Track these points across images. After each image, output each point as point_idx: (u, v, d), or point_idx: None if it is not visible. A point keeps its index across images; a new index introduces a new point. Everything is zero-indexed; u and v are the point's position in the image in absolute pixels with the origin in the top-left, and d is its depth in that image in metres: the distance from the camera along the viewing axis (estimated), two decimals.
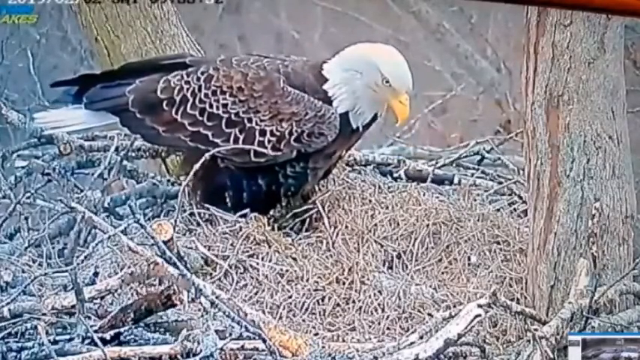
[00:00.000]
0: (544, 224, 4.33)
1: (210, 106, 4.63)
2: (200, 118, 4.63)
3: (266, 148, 4.57)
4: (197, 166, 4.40)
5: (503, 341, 4.33)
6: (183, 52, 5.23)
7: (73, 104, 4.84)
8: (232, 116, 4.61)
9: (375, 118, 4.71)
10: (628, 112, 4.36)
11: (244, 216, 4.64)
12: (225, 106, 4.61)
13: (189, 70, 4.72)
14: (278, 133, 4.58)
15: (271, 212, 4.74)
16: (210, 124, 4.62)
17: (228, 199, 4.67)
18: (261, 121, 4.58)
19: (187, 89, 4.67)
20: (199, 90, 4.66)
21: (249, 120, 4.59)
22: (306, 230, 4.73)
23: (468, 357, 4.15)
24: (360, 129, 4.68)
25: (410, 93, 4.64)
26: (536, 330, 4.12)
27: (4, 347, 4.11)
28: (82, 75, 5.01)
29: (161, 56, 5.19)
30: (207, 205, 4.68)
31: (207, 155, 4.44)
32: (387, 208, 4.76)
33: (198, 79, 4.67)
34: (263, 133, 4.58)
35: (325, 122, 4.58)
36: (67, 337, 4.12)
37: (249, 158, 4.61)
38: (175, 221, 4.40)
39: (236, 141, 4.58)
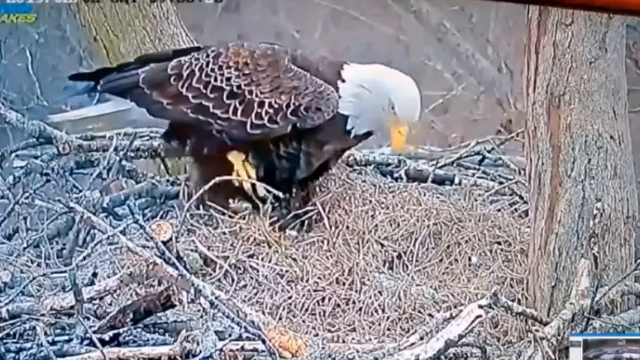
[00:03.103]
0: (545, 224, 4.32)
1: (215, 79, 4.71)
2: (204, 91, 4.71)
3: (263, 119, 4.62)
4: (208, 185, 4.46)
5: (504, 342, 4.32)
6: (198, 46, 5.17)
7: (90, 98, 4.91)
8: (234, 88, 4.69)
9: (369, 134, 4.75)
10: (629, 112, 4.35)
11: (244, 217, 4.64)
12: (228, 79, 4.70)
13: (201, 51, 4.81)
14: (276, 105, 4.64)
15: (272, 212, 4.73)
16: (212, 95, 4.70)
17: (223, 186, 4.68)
18: (262, 93, 4.66)
19: (196, 65, 4.75)
20: (207, 65, 4.74)
21: (250, 92, 4.67)
22: (307, 231, 4.71)
23: (469, 358, 4.15)
24: (352, 134, 4.70)
25: (413, 126, 4.66)
26: (537, 331, 4.11)
27: (3, 348, 4.11)
28: (99, 69, 5.03)
29: (177, 48, 5.19)
30: (209, 203, 4.68)
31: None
32: (388, 208, 4.76)
33: (208, 55, 4.76)
34: (261, 104, 4.64)
35: (324, 98, 4.64)
36: (66, 337, 4.11)
37: (246, 130, 4.63)
38: (182, 221, 4.41)
39: (235, 112, 4.65)
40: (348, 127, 4.68)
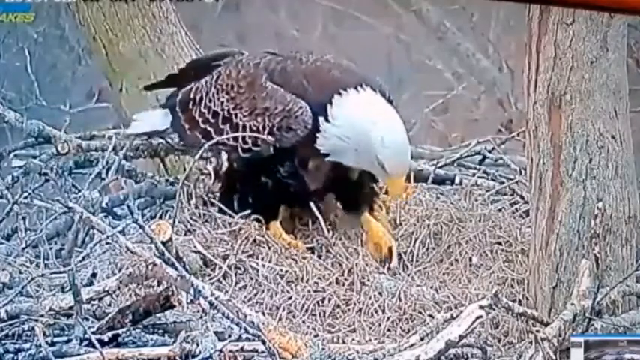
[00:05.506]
0: (546, 225, 4.31)
1: (214, 104, 4.70)
2: (207, 116, 4.70)
3: (247, 143, 4.58)
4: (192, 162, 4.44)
5: (504, 343, 4.31)
6: (231, 50, 5.05)
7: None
8: (225, 113, 4.66)
9: None
10: (631, 112, 4.33)
11: (244, 217, 4.62)
12: (222, 103, 4.68)
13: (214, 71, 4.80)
14: (254, 128, 4.58)
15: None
16: (212, 121, 4.68)
17: (236, 200, 4.68)
18: (244, 116, 4.62)
19: (203, 88, 4.75)
20: (210, 89, 4.72)
21: (235, 116, 4.64)
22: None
23: (470, 358, 4.13)
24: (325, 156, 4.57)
25: (405, 176, 4.54)
26: (538, 331, 4.10)
27: (2, 349, 4.10)
28: (170, 75, 5.09)
29: (217, 54, 5.06)
30: (222, 207, 4.70)
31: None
32: (388, 208, 4.74)
33: (212, 78, 4.75)
34: (244, 128, 4.59)
35: (292, 117, 4.53)
36: (65, 338, 4.10)
37: (239, 154, 4.61)
38: (174, 221, 4.38)
39: (228, 138, 4.62)
40: (319, 149, 4.53)
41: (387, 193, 4.62)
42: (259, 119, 4.57)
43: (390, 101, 4.59)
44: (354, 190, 4.68)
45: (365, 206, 4.68)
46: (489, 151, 5.45)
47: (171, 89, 4.97)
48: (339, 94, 4.53)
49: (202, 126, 4.69)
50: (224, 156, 4.70)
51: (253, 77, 4.63)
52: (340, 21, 9.10)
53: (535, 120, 4.30)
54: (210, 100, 4.69)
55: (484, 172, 5.27)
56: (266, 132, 4.55)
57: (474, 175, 5.21)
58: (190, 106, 4.75)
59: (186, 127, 4.76)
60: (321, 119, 4.51)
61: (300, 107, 4.52)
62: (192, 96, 4.77)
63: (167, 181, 5.03)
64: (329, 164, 4.57)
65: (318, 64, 4.67)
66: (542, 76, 4.27)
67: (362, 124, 4.47)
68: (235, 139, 4.59)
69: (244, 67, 4.68)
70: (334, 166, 4.57)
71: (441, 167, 5.25)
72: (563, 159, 4.26)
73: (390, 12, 8.98)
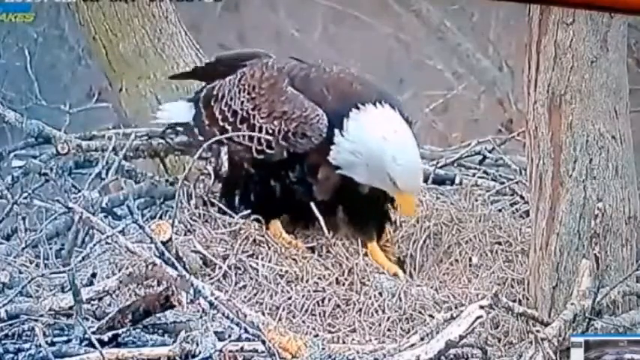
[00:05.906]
0: (546, 225, 4.31)
1: (235, 103, 4.72)
2: (227, 114, 4.72)
3: (262, 145, 4.59)
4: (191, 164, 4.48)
5: (504, 343, 4.31)
6: (257, 51, 5.07)
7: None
8: (244, 113, 4.68)
9: None
10: (631, 112, 4.33)
11: (245, 217, 4.62)
12: (242, 103, 4.70)
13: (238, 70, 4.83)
14: (270, 131, 4.59)
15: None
16: (231, 119, 4.70)
17: (238, 199, 4.70)
18: (261, 118, 4.62)
19: (226, 87, 4.77)
20: (232, 88, 4.75)
21: (254, 117, 4.65)
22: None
23: (470, 359, 4.13)
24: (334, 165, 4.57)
25: (417, 193, 4.55)
26: (538, 331, 4.10)
27: (1, 349, 4.09)
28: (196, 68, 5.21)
29: (245, 53, 5.08)
30: (221, 206, 4.72)
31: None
32: None
33: (235, 77, 4.77)
34: (260, 130, 4.60)
35: (308, 123, 4.54)
36: (65, 338, 4.10)
37: (252, 155, 4.61)
38: (174, 221, 4.38)
39: (243, 137, 4.63)
40: (331, 161, 4.54)
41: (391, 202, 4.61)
42: (276, 122, 4.58)
43: (408, 121, 4.58)
44: (363, 206, 4.65)
45: (374, 230, 4.67)
46: (489, 151, 5.45)
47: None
48: (357, 108, 4.54)
49: (221, 123, 4.71)
50: (224, 156, 4.71)
51: (275, 80, 4.65)
52: (340, 21, 9.09)
53: (535, 120, 4.29)
54: (231, 99, 4.71)
55: (484, 172, 5.26)
56: (280, 136, 4.56)
57: (474, 175, 5.21)
58: (212, 102, 4.78)
59: (206, 122, 4.78)
60: (336, 131, 4.51)
61: (317, 115, 4.53)
62: (215, 93, 4.79)
63: (167, 181, 5.02)
64: (338, 176, 4.56)
65: (341, 76, 4.69)
66: (542, 76, 4.27)
67: (374, 141, 4.47)
68: (251, 139, 4.61)
69: (268, 69, 4.71)
70: (344, 179, 4.56)
71: (441, 167, 5.25)
72: (564, 159, 4.26)
73: (390, 12, 8.97)
